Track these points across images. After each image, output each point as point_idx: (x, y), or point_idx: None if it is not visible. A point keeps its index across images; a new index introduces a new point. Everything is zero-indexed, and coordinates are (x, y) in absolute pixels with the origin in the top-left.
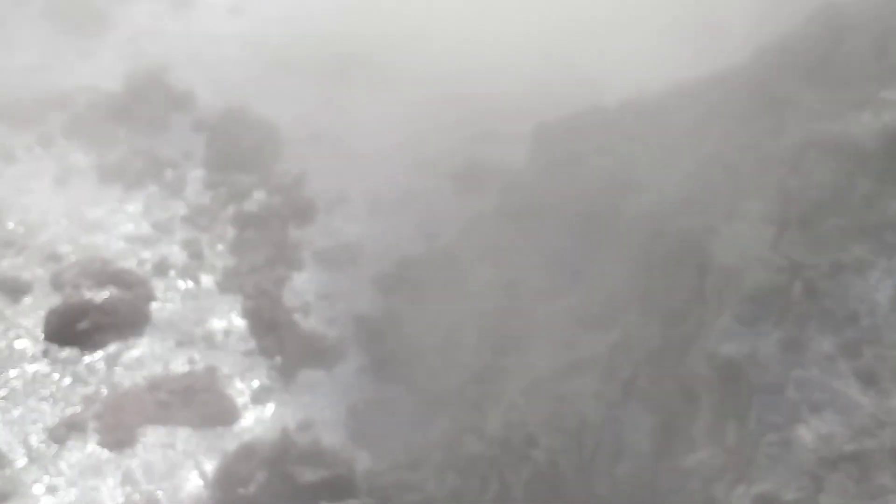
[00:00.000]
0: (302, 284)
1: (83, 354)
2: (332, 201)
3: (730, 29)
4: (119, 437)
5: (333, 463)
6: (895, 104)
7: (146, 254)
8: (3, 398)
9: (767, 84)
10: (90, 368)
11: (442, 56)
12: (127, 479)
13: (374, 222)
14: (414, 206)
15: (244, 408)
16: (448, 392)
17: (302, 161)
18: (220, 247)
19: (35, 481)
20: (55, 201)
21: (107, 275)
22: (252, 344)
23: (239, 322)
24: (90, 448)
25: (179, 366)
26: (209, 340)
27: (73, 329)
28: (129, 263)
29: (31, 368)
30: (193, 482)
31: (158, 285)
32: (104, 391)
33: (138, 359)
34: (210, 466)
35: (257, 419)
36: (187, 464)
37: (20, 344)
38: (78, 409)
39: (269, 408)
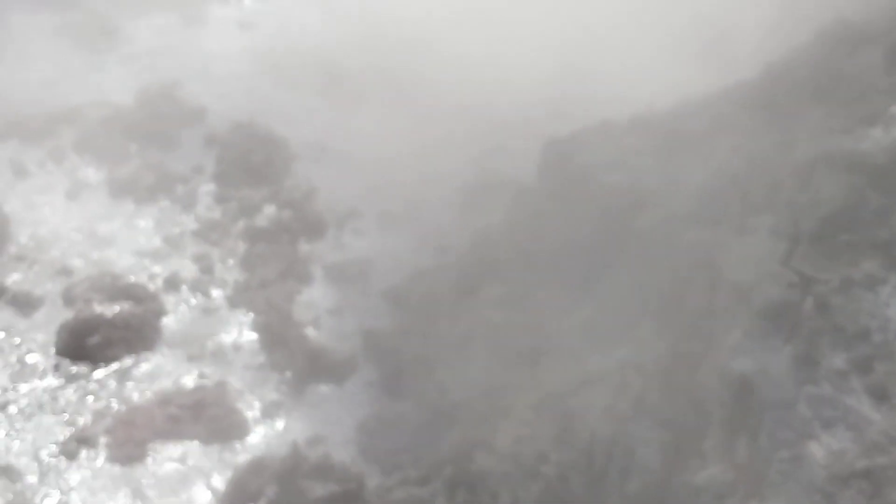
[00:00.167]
0: (312, 299)
1: (94, 369)
2: (342, 216)
3: (739, 44)
4: (130, 452)
5: (343, 478)
6: None
7: (157, 268)
8: (15, 412)
9: (777, 99)
10: (101, 383)
11: (452, 71)
12: (137, 493)
13: (383, 237)
14: (424, 221)
15: (254, 422)
16: (458, 407)
17: (312, 176)
18: (230, 261)
19: (46, 496)
20: (66, 216)
21: (118, 289)
22: (262, 358)
23: (249, 336)
24: (101, 463)
25: (190, 380)
26: (220, 355)
27: (84, 344)
28: (140, 278)
29: (42, 383)
30: (204, 497)
31: (169, 300)
32: (115, 406)
33: (149, 373)
34: (220, 481)
35: (267, 434)
36: (198, 478)
37: (32, 358)
38: (89, 423)
39: (280, 422)
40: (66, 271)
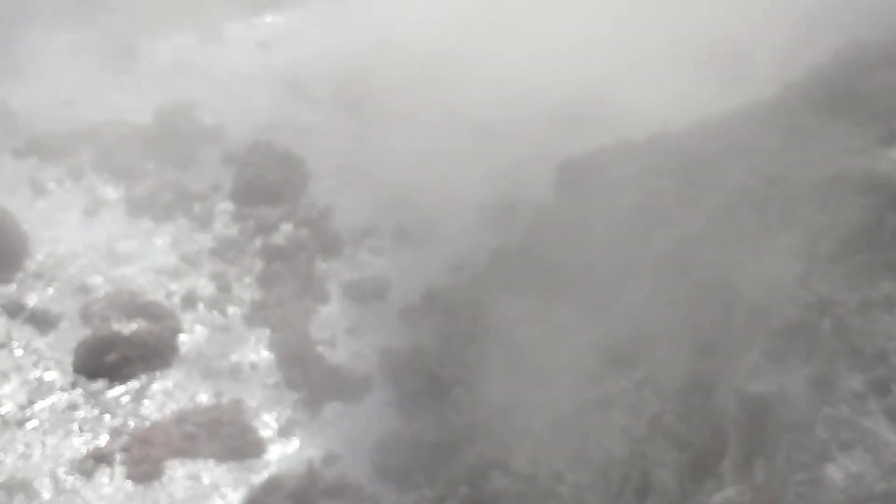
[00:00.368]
0: (328, 317)
1: (111, 386)
2: (359, 234)
3: (757, 63)
4: (146, 470)
5: (359, 497)
6: None
7: (174, 286)
8: (32, 429)
9: (795, 119)
10: (118, 400)
11: (469, 90)
12: None
13: (400, 255)
14: (440, 239)
15: (270, 441)
16: (474, 426)
17: (328, 194)
18: (247, 279)
19: None
20: (85, 234)
21: (135, 307)
22: (279, 377)
23: (266, 355)
24: (117, 480)
25: (206, 398)
26: (236, 373)
27: (101, 361)
28: (158, 296)
29: (59, 400)
30: None
31: (186, 318)
32: (132, 423)
33: (166, 391)
34: (236, 499)
35: (283, 452)
36: (213, 497)
37: (49, 376)
38: (105, 441)
39: (296, 441)
40: (84, 289)
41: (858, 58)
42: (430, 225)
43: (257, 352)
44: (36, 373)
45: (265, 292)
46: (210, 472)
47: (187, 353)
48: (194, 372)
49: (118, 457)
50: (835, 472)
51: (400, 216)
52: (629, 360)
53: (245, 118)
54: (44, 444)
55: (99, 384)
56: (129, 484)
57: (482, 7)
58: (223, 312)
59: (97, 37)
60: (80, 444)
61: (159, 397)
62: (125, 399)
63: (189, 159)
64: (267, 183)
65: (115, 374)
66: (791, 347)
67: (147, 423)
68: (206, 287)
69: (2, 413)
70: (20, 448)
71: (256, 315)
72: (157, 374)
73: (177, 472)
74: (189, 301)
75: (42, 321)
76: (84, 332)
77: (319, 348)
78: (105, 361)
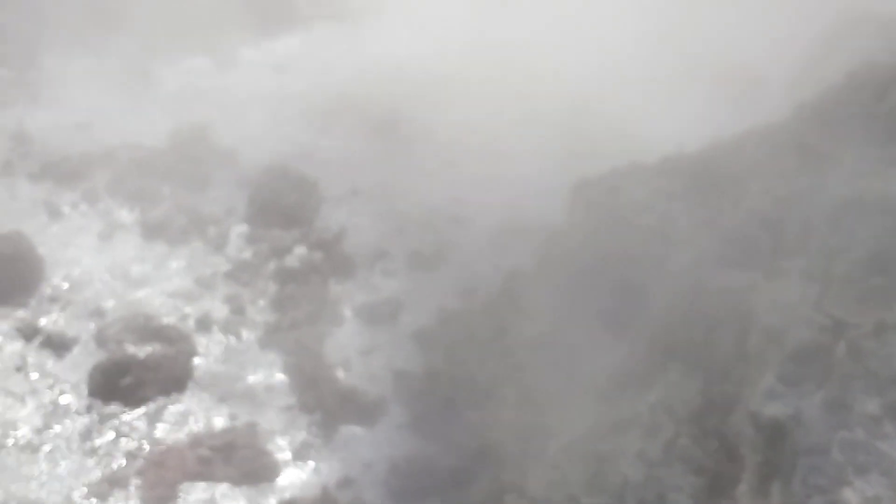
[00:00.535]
0: (342, 340)
1: (126, 410)
2: (372, 257)
3: (770, 85)
4: (161, 494)
5: None
6: None
7: (189, 309)
8: (47, 453)
9: (808, 140)
10: (133, 424)
11: (481, 115)
12: None
13: (413, 278)
14: (453, 262)
15: (285, 464)
16: (488, 450)
17: (342, 217)
18: (261, 302)
19: None
20: (99, 257)
21: (150, 330)
22: (293, 400)
23: (280, 378)
24: None
25: (221, 422)
26: (250, 396)
27: (116, 385)
28: (172, 319)
29: (74, 424)
30: None
31: (201, 341)
32: (146, 447)
33: (180, 414)
34: None
35: (298, 476)
36: None
37: (64, 399)
38: (120, 465)
39: (310, 464)
40: (99, 312)
41: (872, 79)
42: (444, 247)
43: (271, 375)
44: (51, 396)
45: (279, 315)
46: (225, 495)
47: (202, 376)
48: (209, 395)
49: (133, 480)
50: (851, 496)
51: (413, 239)
52: (643, 383)
53: (259, 141)
54: (59, 468)
55: (114, 407)
56: None
57: (496, 30)
58: (237, 335)
59: (113, 61)
60: (95, 468)
61: (174, 421)
62: (140, 422)
63: (204, 183)
64: (281, 206)
65: (130, 397)
66: (806, 370)
67: (162, 447)
68: (220, 310)
69: (17, 437)
70: (35, 472)
71: (270, 338)
72: (172, 397)
73: (191, 495)
74: (204, 324)
75: (57, 345)
76: (99, 356)
77: (333, 371)
78: (120, 385)
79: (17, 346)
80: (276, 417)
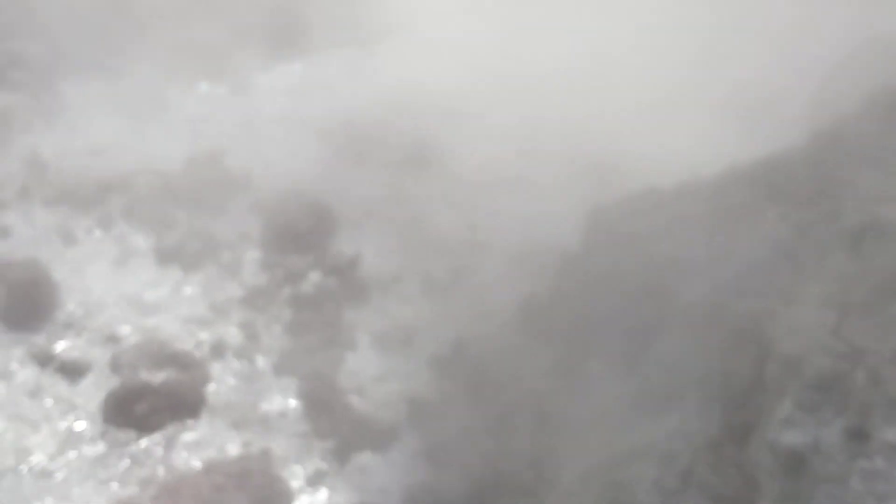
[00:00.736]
0: (357, 366)
1: (140, 437)
2: (387, 282)
3: (785, 110)
4: None
5: None
6: None
7: (203, 335)
8: (61, 480)
9: (825, 166)
10: (147, 451)
11: (495, 140)
12: None
13: (428, 303)
14: (468, 288)
15: (299, 491)
16: (503, 477)
17: (357, 242)
18: (276, 328)
19: None
20: (114, 283)
21: (164, 357)
22: (307, 426)
23: (294, 404)
24: None
25: (235, 448)
26: (265, 422)
27: (130, 411)
28: (187, 345)
29: (89, 450)
30: None
31: (215, 367)
32: (161, 474)
33: (195, 441)
34: None
35: (312, 503)
36: None
37: (79, 426)
38: (134, 492)
39: (324, 491)
40: (113, 338)
41: (889, 105)
42: (459, 273)
43: (286, 401)
44: (65, 423)
45: (294, 341)
46: None
47: (216, 402)
48: (223, 422)
49: None
50: None
51: (428, 264)
52: (660, 411)
53: (274, 167)
54: (73, 495)
55: (128, 434)
56: None
57: (508, 58)
58: (252, 361)
59: (128, 86)
60: (109, 495)
61: (188, 447)
62: (154, 449)
63: (218, 208)
64: (296, 231)
65: (144, 424)
66: (825, 398)
67: (176, 474)
68: (234, 336)
69: (31, 463)
70: (50, 499)
71: (285, 364)
72: (186, 423)
73: None
74: (218, 350)
75: (71, 371)
76: (113, 382)
77: (347, 397)
78: (134, 411)
79: (31, 372)
80: (290, 444)
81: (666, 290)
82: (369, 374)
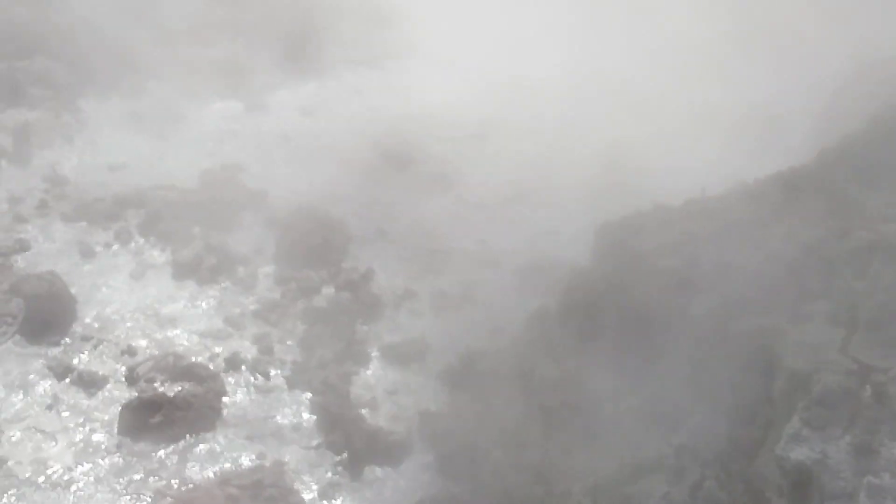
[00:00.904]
0: (369, 380)
1: (156, 448)
2: (399, 297)
3: (792, 129)
4: None
5: None
6: None
7: (218, 348)
8: (77, 491)
9: (832, 186)
10: (162, 462)
11: (505, 156)
12: None
13: (439, 318)
14: (478, 302)
15: (312, 503)
16: (513, 490)
17: (369, 258)
18: (289, 342)
19: None
20: (131, 296)
21: (180, 369)
22: (320, 439)
23: (307, 417)
24: None
25: (249, 460)
26: (278, 435)
27: (146, 423)
28: (202, 358)
29: (105, 461)
30: None
31: (230, 380)
32: (175, 485)
33: (209, 453)
34: None
35: None
36: None
37: (95, 437)
38: (150, 503)
39: (336, 503)
40: (130, 351)
41: (895, 125)
42: (469, 288)
43: (299, 414)
44: (82, 434)
45: (307, 355)
46: None
47: (230, 414)
48: (237, 434)
49: None
50: None
51: (439, 279)
52: (669, 426)
53: (288, 183)
54: None
55: (144, 446)
56: None
57: (518, 76)
58: (266, 375)
59: (146, 104)
60: None
61: (203, 459)
62: (169, 461)
63: (233, 223)
64: (309, 247)
65: (160, 435)
66: (832, 415)
67: (191, 485)
68: (249, 349)
69: (48, 474)
70: None
71: (298, 377)
72: (201, 435)
73: None
74: (232, 363)
75: (88, 383)
76: (129, 394)
77: (360, 410)
78: (150, 423)
79: (49, 384)
80: (303, 456)
81: (674, 306)
82: (381, 387)
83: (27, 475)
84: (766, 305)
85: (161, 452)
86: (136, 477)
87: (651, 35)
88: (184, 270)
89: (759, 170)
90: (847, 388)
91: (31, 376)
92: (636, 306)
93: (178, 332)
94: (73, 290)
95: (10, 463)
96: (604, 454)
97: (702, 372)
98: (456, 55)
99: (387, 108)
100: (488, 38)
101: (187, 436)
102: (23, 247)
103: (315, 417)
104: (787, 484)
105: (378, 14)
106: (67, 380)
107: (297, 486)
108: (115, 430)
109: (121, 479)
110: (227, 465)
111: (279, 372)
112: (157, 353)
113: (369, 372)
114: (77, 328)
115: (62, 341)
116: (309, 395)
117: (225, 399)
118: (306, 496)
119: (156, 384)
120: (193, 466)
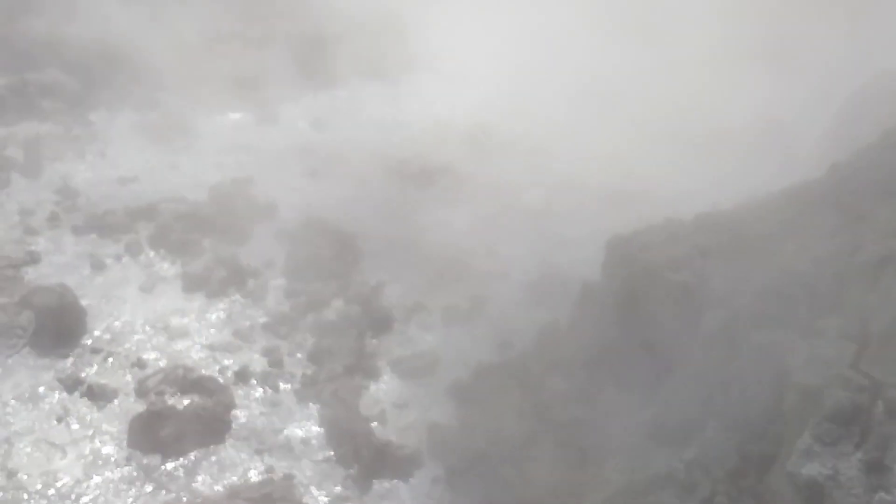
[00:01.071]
0: (379, 393)
1: (165, 461)
2: (409, 310)
3: (804, 143)
4: None
5: None
6: None
7: (228, 361)
8: (87, 503)
9: (843, 199)
10: (172, 475)
11: (517, 171)
12: None
13: (449, 331)
14: (489, 316)
15: None
16: None
17: (379, 271)
18: (299, 355)
19: None
20: (141, 309)
21: (189, 382)
22: (329, 452)
23: (317, 430)
24: None
25: (258, 473)
26: (287, 448)
27: (156, 436)
28: (212, 371)
29: (114, 474)
30: None
31: (239, 393)
32: (185, 498)
33: (218, 466)
34: None
35: None
36: None
37: (105, 450)
38: None
39: None
40: (139, 364)
41: None
42: (480, 302)
43: (308, 427)
44: (91, 447)
45: (316, 368)
46: None
47: (240, 428)
48: (246, 447)
49: None
50: None
51: (449, 293)
52: (679, 441)
53: (298, 196)
54: None
55: (153, 459)
56: None
57: (528, 88)
58: (275, 388)
59: (156, 116)
60: None
61: (212, 472)
62: (179, 474)
63: (243, 236)
64: (319, 260)
65: (169, 448)
66: (844, 431)
67: (200, 499)
68: (258, 362)
69: (58, 487)
70: None
71: (308, 391)
72: (211, 448)
73: None
74: (242, 376)
75: (98, 395)
76: (139, 407)
77: (369, 424)
78: (159, 436)
79: (59, 396)
80: (313, 470)
81: (684, 320)
82: (391, 400)
83: (37, 487)
84: (778, 320)
85: (170, 465)
86: (146, 490)
87: (662, 48)
88: (194, 283)
89: (771, 184)
90: (859, 404)
91: (41, 388)
92: (646, 320)
93: (187, 344)
94: (83, 303)
95: (19, 475)
96: (614, 469)
97: (712, 387)
98: (468, 69)
99: (398, 121)
100: (500, 51)
101: (197, 449)
102: (33, 259)
103: (324, 431)
104: (798, 500)
105: (390, 28)
106: (77, 392)
107: (306, 499)
108: (125, 442)
109: (130, 492)
110: (236, 478)
111: (289, 385)
112: (166, 365)
113: (379, 385)
114: (87, 341)
115: (72, 353)
116: (318, 408)
117: (234, 412)
118: None
119: (165, 397)
120: (203, 479)
